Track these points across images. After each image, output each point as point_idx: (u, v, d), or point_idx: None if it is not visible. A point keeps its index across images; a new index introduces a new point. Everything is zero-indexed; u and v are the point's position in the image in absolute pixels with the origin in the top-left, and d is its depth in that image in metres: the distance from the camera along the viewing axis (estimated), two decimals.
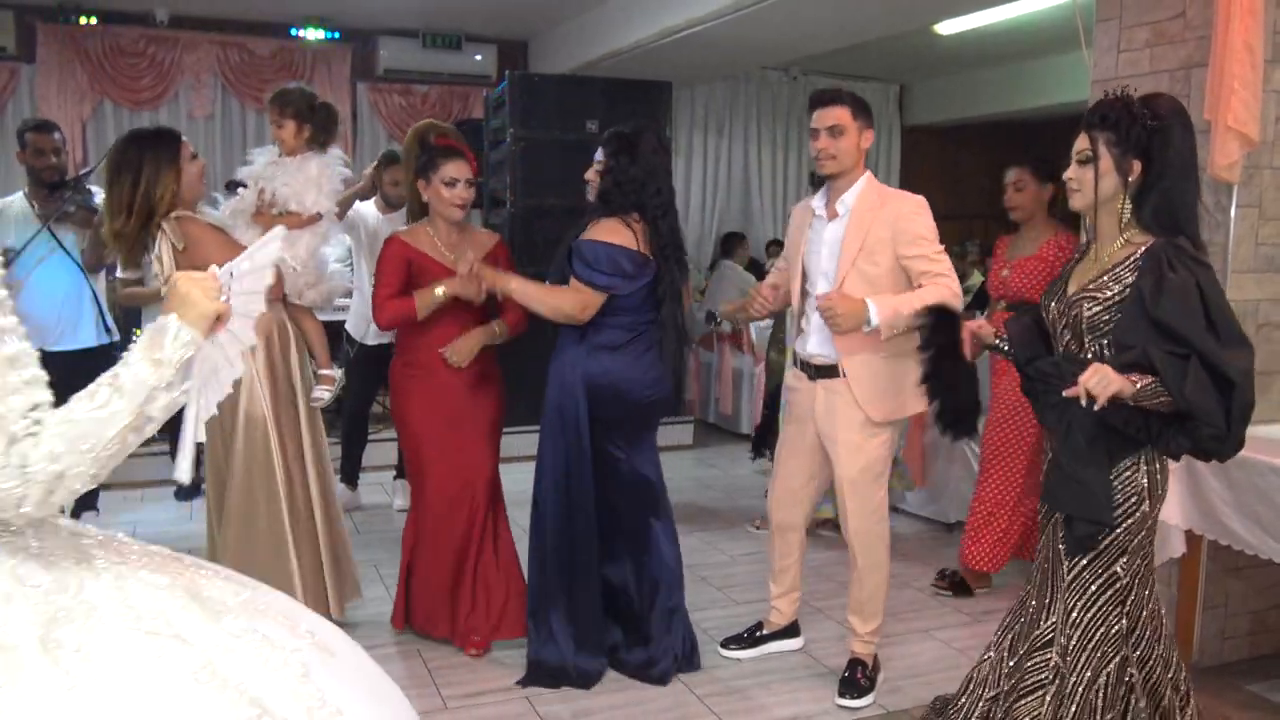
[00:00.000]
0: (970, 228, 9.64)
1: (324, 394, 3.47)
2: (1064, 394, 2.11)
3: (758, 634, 3.51)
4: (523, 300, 3.18)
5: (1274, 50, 3.21)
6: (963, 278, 8.00)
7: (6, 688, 1.11)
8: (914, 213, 3.04)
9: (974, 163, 10.33)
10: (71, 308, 4.44)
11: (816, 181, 4.47)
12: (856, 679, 3.19)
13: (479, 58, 8.37)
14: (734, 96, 9.33)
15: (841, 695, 3.16)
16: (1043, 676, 2.33)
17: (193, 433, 1.49)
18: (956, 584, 4.16)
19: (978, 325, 2.55)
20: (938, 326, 2.54)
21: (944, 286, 2.91)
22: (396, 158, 4.89)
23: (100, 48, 7.48)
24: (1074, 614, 2.28)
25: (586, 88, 6.44)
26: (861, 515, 3.14)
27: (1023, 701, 2.35)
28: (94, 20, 7.24)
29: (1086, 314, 2.24)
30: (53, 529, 1.34)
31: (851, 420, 3.08)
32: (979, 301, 6.91)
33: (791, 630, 3.53)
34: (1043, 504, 2.41)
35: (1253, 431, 3.20)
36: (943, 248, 3.02)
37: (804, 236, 3.20)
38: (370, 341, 5.04)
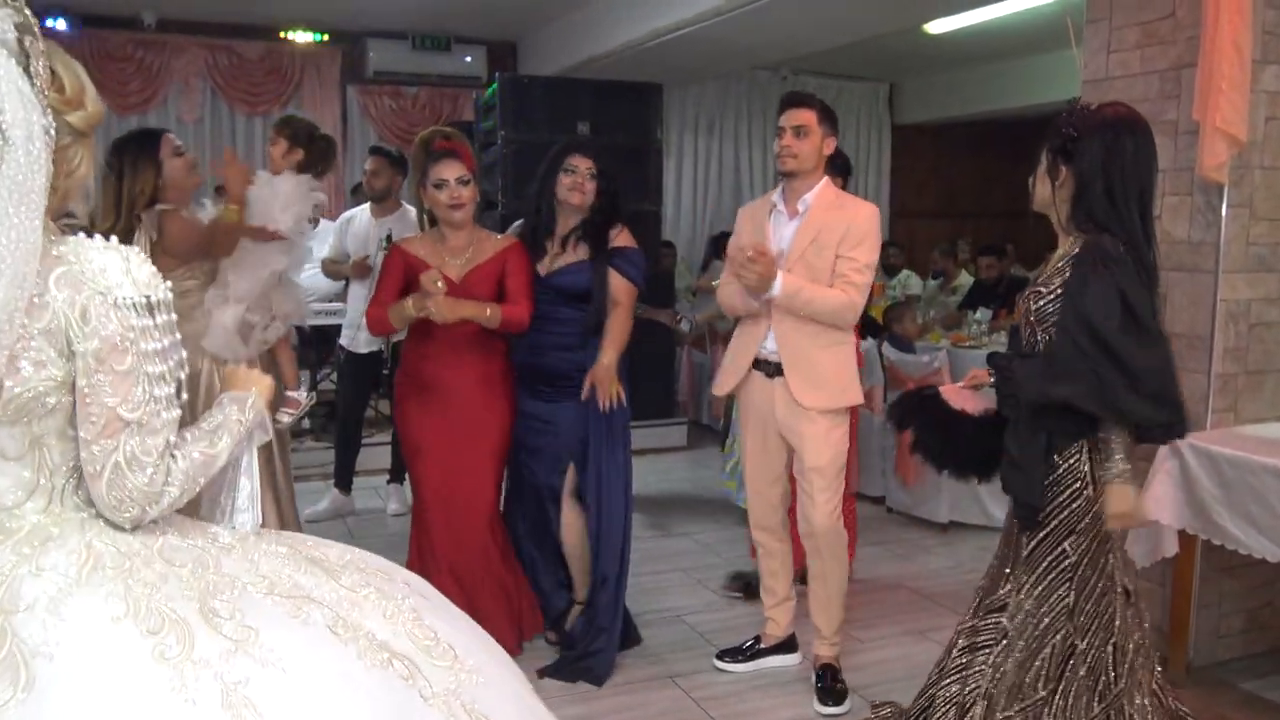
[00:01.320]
0: (961, 226, 9.66)
1: (284, 417, 3.42)
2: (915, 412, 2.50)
3: (756, 648, 3.46)
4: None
5: (1262, 50, 3.21)
6: (950, 276, 8.03)
7: (185, 654, 1.27)
8: (868, 219, 3.15)
9: (964, 161, 10.35)
10: None
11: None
12: (833, 685, 3.20)
13: (468, 59, 8.35)
14: (724, 96, 9.34)
15: (823, 703, 3.15)
16: (991, 637, 2.49)
17: (250, 490, 1.70)
18: (746, 587, 4.07)
19: (970, 378, 2.71)
20: (920, 413, 2.70)
21: (846, 295, 3.06)
22: (377, 150, 5.08)
23: (87, 52, 7.44)
24: (1025, 585, 2.45)
25: (577, 89, 6.43)
26: (830, 508, 3.16)
27: (973, 656, 2.52)
28: (79, 25, 7.21)
29: (1034, 306, 2.42)
30: (174, 518, 1.51)
31: (810, 412, 3.13)
32: (971, 300, 6.96)
33: (789, 645, 3.47)
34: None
35: (1246, 430, 3.23)
36: (873, 262, 3.14)
37: (765, 230, 3.23)
38: (361, 350, 5.04)
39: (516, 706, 1.54)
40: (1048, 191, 2.41)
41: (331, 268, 5.29)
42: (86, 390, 1.32)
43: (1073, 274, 2.31)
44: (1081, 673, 2.40)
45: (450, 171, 3.27)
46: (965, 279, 7.82)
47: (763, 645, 3.46)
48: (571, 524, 3.47)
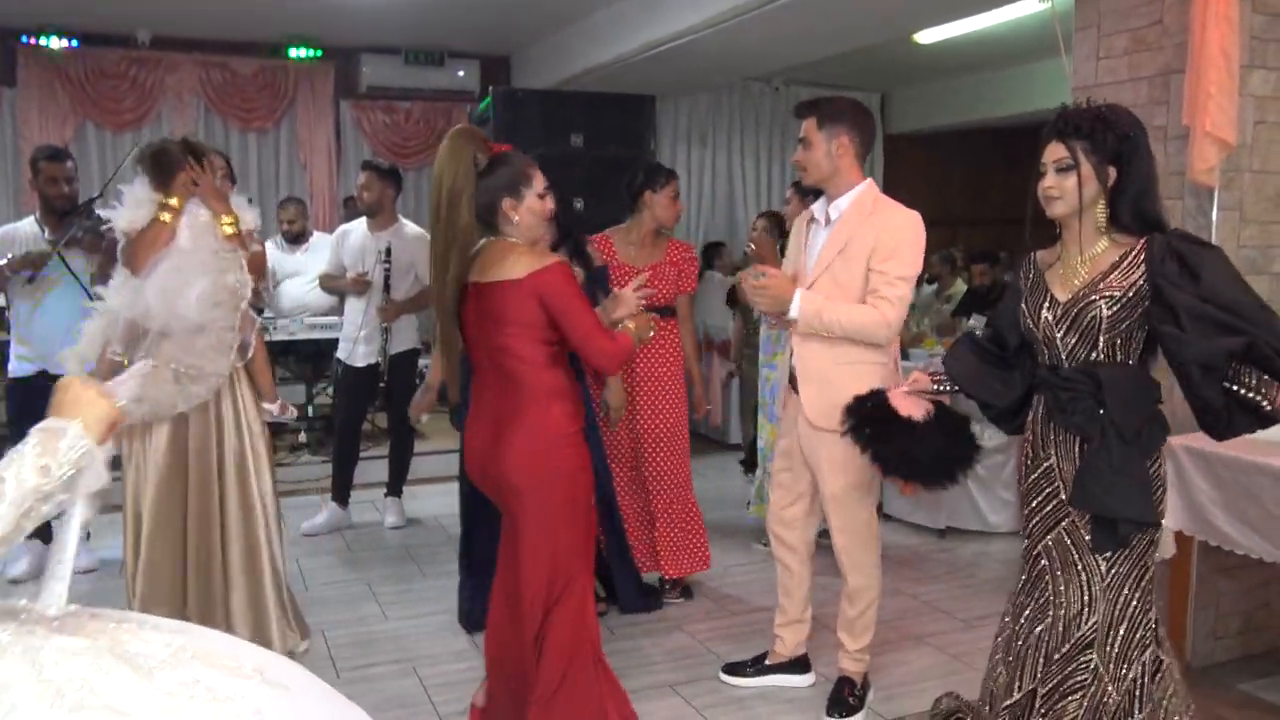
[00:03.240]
0: (953, 235, 9.69)
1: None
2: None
3: (762, 664, 3.38)
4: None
5: (1250, 56, 3.25)
6: (944, 284, 8.06)
7: None
8: (901, 227, 2.94)
9: (955, 170, 10.40)
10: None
11: (803, 190, 4.52)
12: (844, 697, 3.14)
13: (462, 73, 8.39)
14: (717, 108, 9.37)
15: (830, 714, 3.11)
16: (1082, 679, 2.35)
17: (71, 553, 1.37)
18: (685, 588, 4.19)
19: (911, 381, 2.66)
20: (865, 420, 2.65)
21: (879, 312, 2.88)
22: (367, 164, 5.11)
23: (81, 70, 7.47)
24: (1115, 611, 2.32)
25: (570, 102, 6.46)
26: (848, 533, 3.05)
27: (1064, 702, 2.36)
28: (74, 43, 7.23)
29: (1106, 313, 2.27)
30: None
31: (834, 435, 2.88)
32: (964, 307, 6.98)
33: (799, 665, 3.35)
34: (1067, 506, 2.38)
35: None
36: (910, 275, 2.93)
37: (804, 242, 3.15)
38: (359, 363, 5.04)
39: None
40: (1094, 193, 2.29)
41: (329, 283, 5.30)
42: None
43: (1165, 269, 2.20)
44: (1170, 690, 2.34)
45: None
46: (960, 286, 7.85)
47: (769, 662, 3.37)
48: None
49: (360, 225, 5.11)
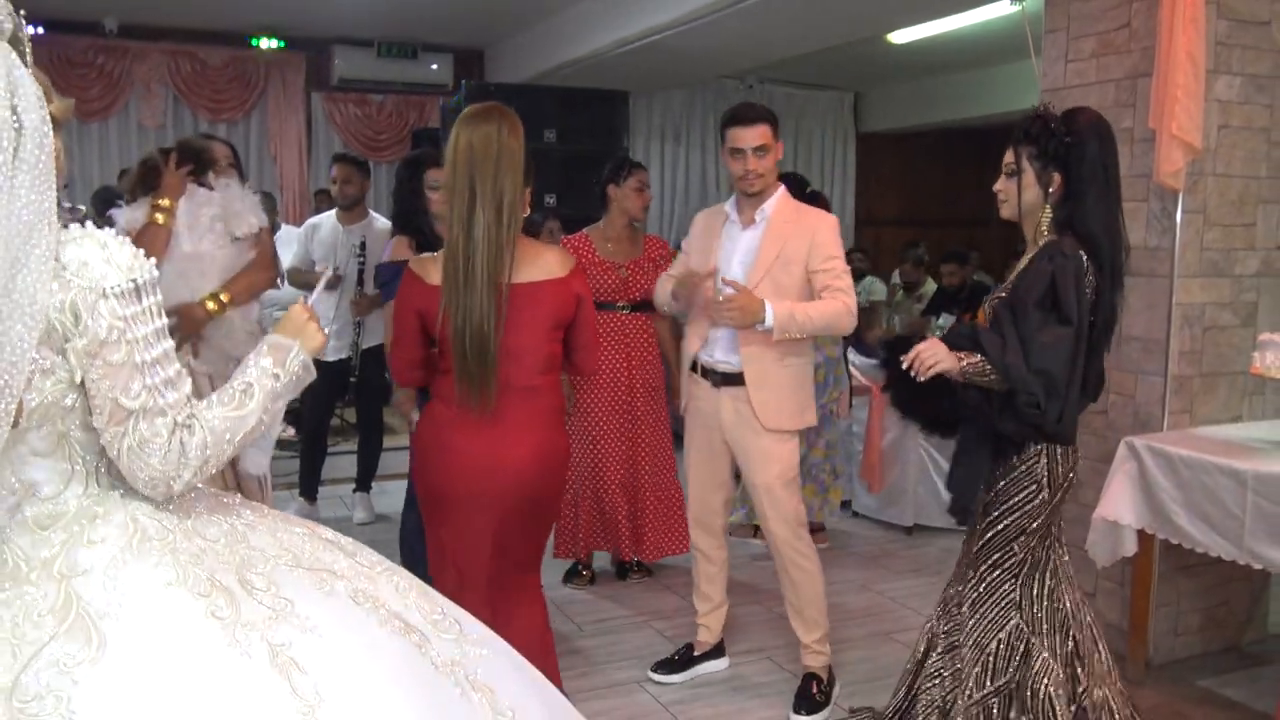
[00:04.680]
0: (925, 234, 9.76)
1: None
2: (901, 360, 2.33)
3: (689, 655, 3.43)
4: None
5: (1215, 60, 3.29)
6: (917, 284, 8.12)
7: (235, 616, 1.33)
8: (830, 229, 3.10)
9: (928, 169, 10.46)
10: None
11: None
12: (810, 693, 3.18)
13: (435, 67, 8.34)
14: (691, 105, 9.39)
15: (796, 711, 3.14)
16: (955, 639, 2.56)
17: (275, 432, 1.77)
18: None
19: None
20: (890, 360, 2.71)
21: (840, 302, 3.01)
22: (343, 157, 5.09)
23: (47, 58, 7.36)
24: (974, 579, 2.52)
25: (544, 96, 6.45)
26: (781, 522, 3.12)
27: (934, 659, 2.58)
28: (39, 30, 7.13)
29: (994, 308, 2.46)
30: (203, 494, 1.55)
31: (761, 428, 3.07)
32: (934, 306, 7.03)
33: (718, 650, 3.46)
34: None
35: (1201, 431, 3.30)
36: (847, 266, 3.11)
37: (716, 243, 3.19)
38: (328, 358, 4.99)
39: (517, 676, 1.61)
40: (1035, 199, 2.38)
41: (297, 277, 5.21)
42: (88, 384, 1.33)
43: (1027, 268, 2.36)
44: (1035, 666, 2.44)
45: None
46: (930, 286, 7.90)
47: (696, 653, 3.43)
48: None
49: (329, 218, 5.07)
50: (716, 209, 3.33)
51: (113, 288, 1.30)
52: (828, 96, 9.98)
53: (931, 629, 2.67)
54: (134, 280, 1.32)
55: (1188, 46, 3.09)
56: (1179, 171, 3.18)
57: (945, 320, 6.24)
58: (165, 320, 1.38)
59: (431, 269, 2.46)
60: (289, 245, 6.51)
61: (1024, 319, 2.30)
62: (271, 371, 1.56)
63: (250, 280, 3.26)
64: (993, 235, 9.19)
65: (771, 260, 3.04)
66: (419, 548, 3.76)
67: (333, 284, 4.93)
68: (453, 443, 2.46)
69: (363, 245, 4.86)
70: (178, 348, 2.30)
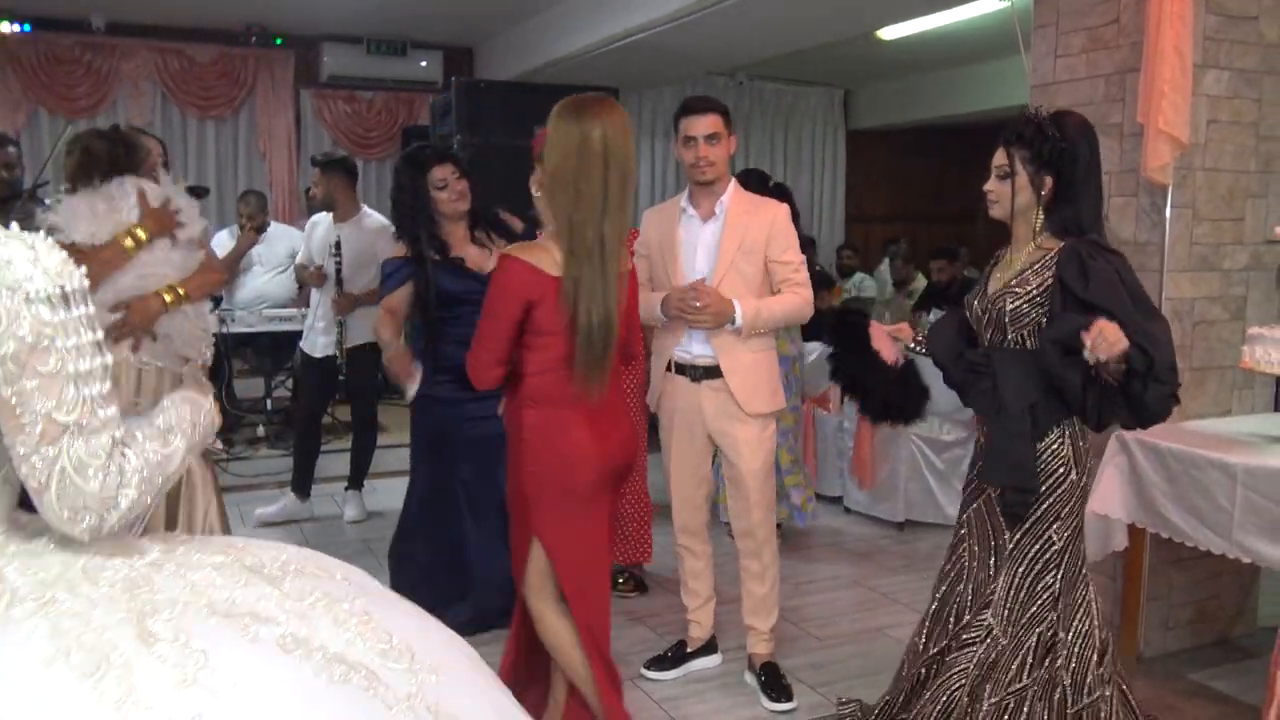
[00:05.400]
0: (914, 230, 9.78)
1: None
2: (1082, 336, 2.20)
3: (682, 652, 3.44)
4: None
5: (1203, 55, 3.30)
6: (906, 281, 8.13)
7: (127, 696, 1.14)
8: (787, 219, 3.17)
9: (917, 166, 10.48)
10: None
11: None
12: (780, 680, 3.22)
13: (424, 64, 8.32)
14: (680, 101, 9.36)
15: (775, 700, 3.17)
16: (976, 635, 2.50)
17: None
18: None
19: (896, 329, 2.82)
20: (843, 330, 2.79)
21: (800, 296, 3.13)
22: (313, 160, 5.15)
23: (34, 55, 7.32)
24: (1015, 579, 2.47)
25: (533, 94, 6.42)
26: (764, 506, 3.20)
27: (958, 654, 2.52)
28: (26, 27, 7.08)
29: (1009, 308, 2.43)
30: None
31: (743, 414, 3.15)
32: (923, 302, 7.04)
33: (711, 647, 3.47)
34: (975, 480, 2.60)
35: (1191, 425, 3.31)
36: (803, 257, 3.19)
37: (676, 238, 3.20)
38: (318, 354, 5.04)
39: (479, 700, 1.46)
40: (1028, 200, 2.41)
41: (299, 274, 5.49)
42: (14, 398, 1.20)
43: (1067, 270, 2.32)
44: (1059, 663, 2.44)
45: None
46: (920, 281, 7.92)
47: (688, 650, 3.44)
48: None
49: (326, 217, 5.16)
50: (667, 205, 3.36)
51: (37, 292, 1.19)
52: (817, 93, 9.98)
53: (931, 629, 2.62)
54: (61, 286, 1.21)
55: (1174, 41, 3.10)
56: (1166, 166, 3.19)
57: (936, 315, 6.25)
58: (99, 334, 1.26)
59: (544, 258, 2.45)
60: (275, 243, 6.53)
61: (1132, 319, 2.23)
62: (191, 420, 1.48)
63: (203, 280, 3.17)
64: (981, 231, 9.21)
65: (734, 251, 3.11)
66: (418, 551, 3.75)
67: (319, 282, 5.03)
68: (580, 439, 2.51)
69: (338, 245, 4.88)
70: (118, 340, 2.28)
